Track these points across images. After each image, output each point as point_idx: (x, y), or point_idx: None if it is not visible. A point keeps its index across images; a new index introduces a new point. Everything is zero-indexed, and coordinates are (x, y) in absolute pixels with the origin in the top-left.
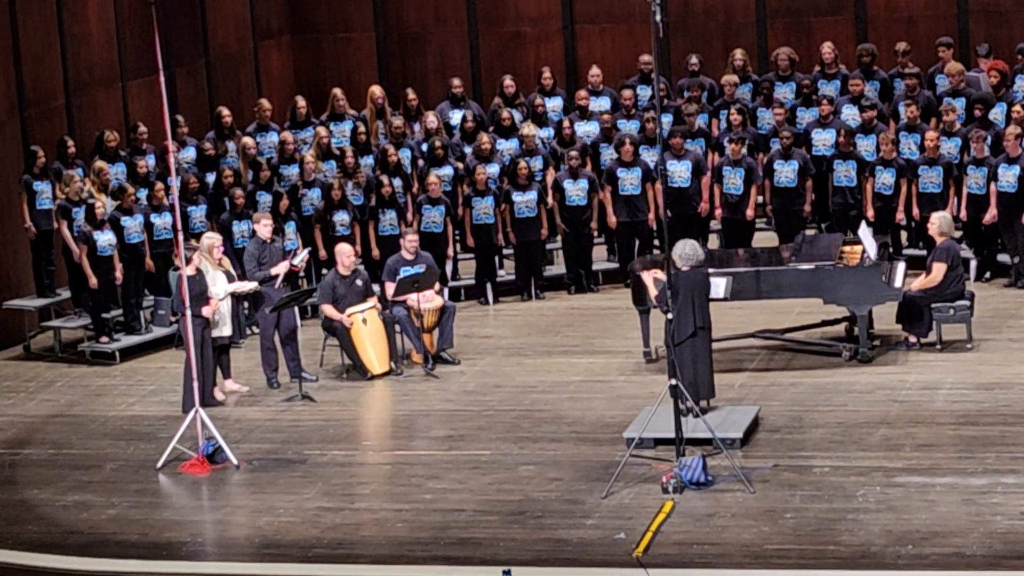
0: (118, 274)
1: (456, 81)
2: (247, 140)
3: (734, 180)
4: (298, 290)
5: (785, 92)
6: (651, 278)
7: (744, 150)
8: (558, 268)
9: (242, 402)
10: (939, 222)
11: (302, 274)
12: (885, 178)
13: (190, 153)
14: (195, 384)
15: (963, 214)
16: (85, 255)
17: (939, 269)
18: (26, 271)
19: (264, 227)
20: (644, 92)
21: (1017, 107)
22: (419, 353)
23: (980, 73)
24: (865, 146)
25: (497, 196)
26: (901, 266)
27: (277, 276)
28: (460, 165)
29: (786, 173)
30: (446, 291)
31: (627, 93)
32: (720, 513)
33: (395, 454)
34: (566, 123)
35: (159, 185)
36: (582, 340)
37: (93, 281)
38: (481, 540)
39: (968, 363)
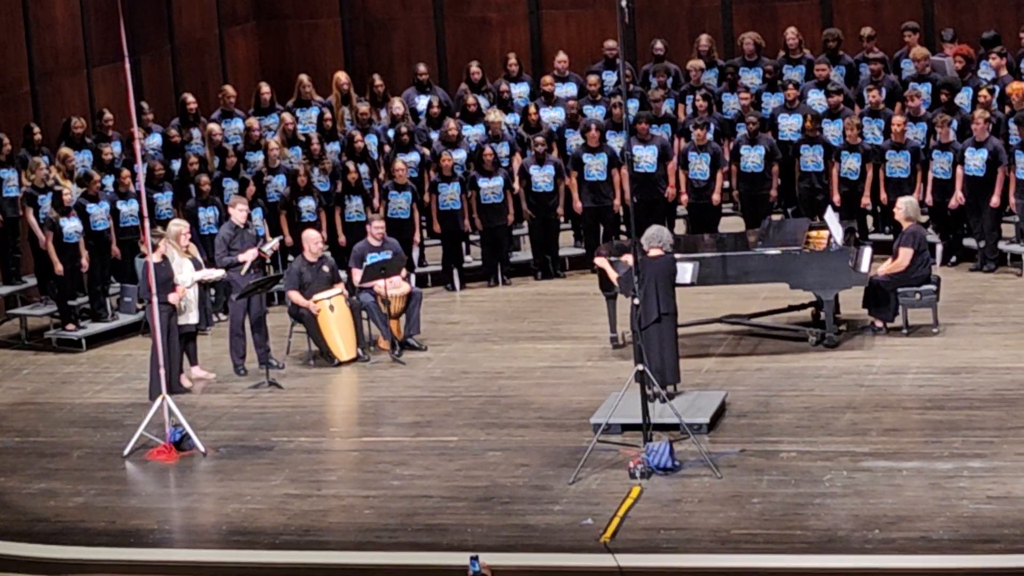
0: (84, 261)
1: (422, 67)
2: (212, 127)
3: (700, 165)
4: (265, 276)
5: (751, 77)
6: (607, 263)
7: (710, 135)
8: (525, 254)
9: (209, 389)
10: (905, 207)
11: (268, 260)
12: (851, 163)
13: (156, 140)
14: (162, 371)
15: (929, 199)
16: (51, 242)
17: (905, 254)
18: None
19: (240, 211)
20: (610, 77)
21: (984, 91)
22: (386, 339)
23: (946, 58)
24: (832, 131)
25: (463, 182)
26: (867, 251)
27: (244, 263)
28: (426, 151)
29: (752, 158)
30: (413, 277)
31: (593, 79)
32: (687, 498)
33: (362, 440)
34: (532, 109)
35: (125, 172)
36: (549, 326)
37: (59, 268)
38: (448, 526)
39: (934, 347)
